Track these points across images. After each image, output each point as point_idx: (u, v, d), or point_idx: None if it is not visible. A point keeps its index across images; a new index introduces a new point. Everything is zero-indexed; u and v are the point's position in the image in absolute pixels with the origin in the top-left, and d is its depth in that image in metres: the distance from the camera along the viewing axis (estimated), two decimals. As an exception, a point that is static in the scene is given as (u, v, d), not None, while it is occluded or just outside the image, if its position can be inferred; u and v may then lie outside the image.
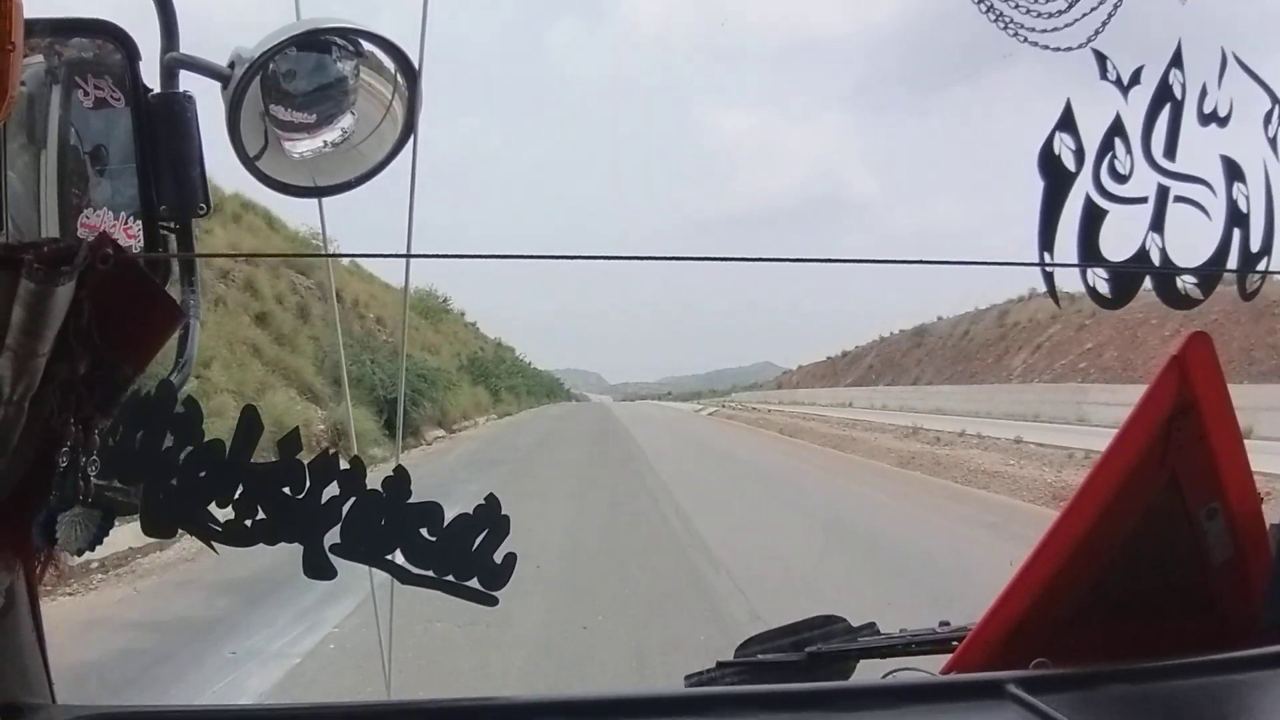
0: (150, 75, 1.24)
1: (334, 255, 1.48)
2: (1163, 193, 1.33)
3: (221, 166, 1.27)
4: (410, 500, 1.06)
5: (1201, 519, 1.39)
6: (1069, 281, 1.33)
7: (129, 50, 1.24)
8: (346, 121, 1.33)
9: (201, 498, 1.03)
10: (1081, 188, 1.29)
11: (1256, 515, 1.41)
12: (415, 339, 33.82)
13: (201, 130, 1.24)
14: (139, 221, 1.24)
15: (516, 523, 1.09)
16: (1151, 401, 1.33)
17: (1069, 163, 1.28)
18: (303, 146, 1.32)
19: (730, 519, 12.23)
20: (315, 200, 1.38)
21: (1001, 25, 1.34)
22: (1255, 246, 1.37)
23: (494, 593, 1.08)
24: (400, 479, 1.06)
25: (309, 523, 1.05)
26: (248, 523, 1.04)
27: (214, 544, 1.05)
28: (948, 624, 1.53)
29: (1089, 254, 1.30)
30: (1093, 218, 1.29)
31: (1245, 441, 1.40)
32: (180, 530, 1.05)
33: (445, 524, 1.06)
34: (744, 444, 27.87)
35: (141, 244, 1.22)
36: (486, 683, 5.70)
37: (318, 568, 1.06)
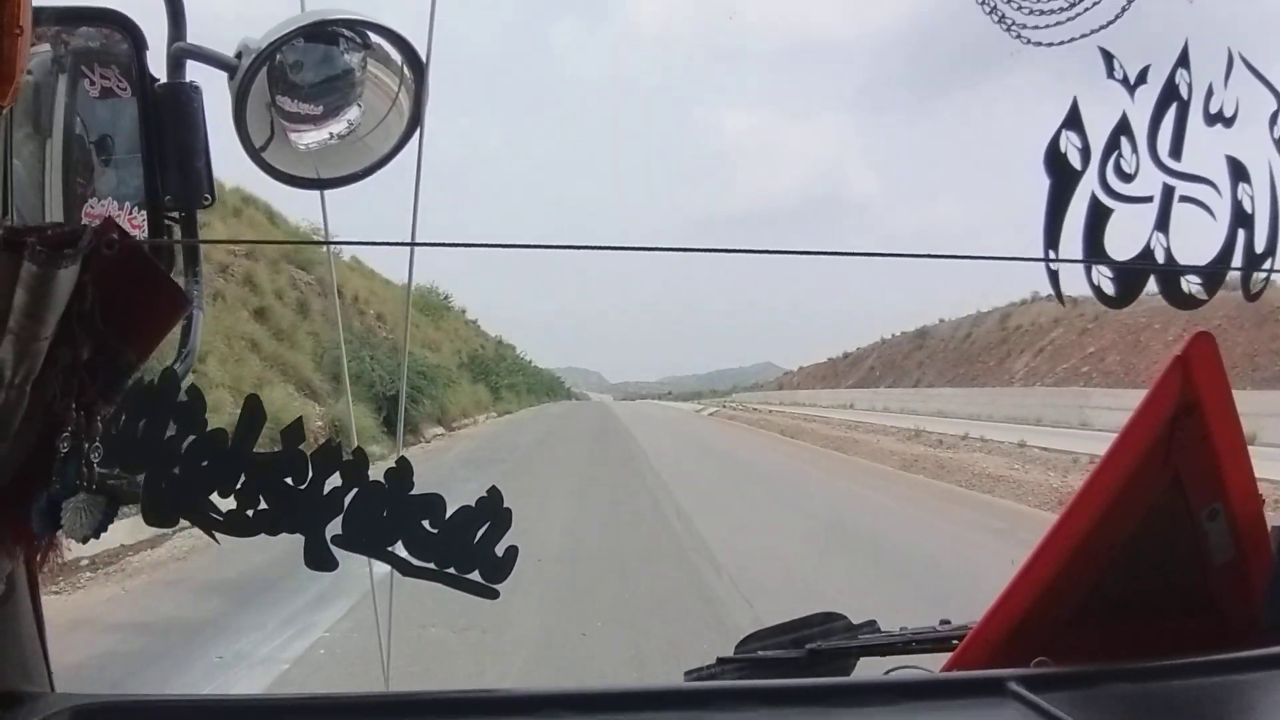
0: (157, 65, 1.24)
1: (339, 242, 1.48)
2: (1168, 192, 1.33)
3: (222, 159, 1.27)
4: (412, 492, 1.06)
5: (1203, 519, 1.39)
6: (1072, 284, 1.33)
7: (136, 39, 1.24)
8: (353, 114, 1.33)
9: (203, 487, 1.03)
10: (1087, 186, 1.28)
11: (1258, 517, 1.41)
12: (416, 336, 33.78)
13: (207, 120, 1.25)
14: (143, 212, 1.24)
15: (515, 523, 1.08)
16: (1155, 401, 1.33)
17: (1075, 161, 1.28)
18: (308, 138, 1.32)
19: (732, 521, 12.07)
20: (318, 193, 1.38)
21: (1005, 27, 1.34)
22: (1260, 247, 1.36)
23: (495, 586, 1.08)
24: (403, 470, 1.05)
25: (311, 513, 1.04)
26: (249, 513, 1.04)
27: (215, 534, 1.05)
28: (948, 622, 1.53)
29: (1094, 253, 1.30)
30: (1098, 216, 1.29)
31: (1250, 448, 1.40)
32: (181, 519, 1.04)
33: (447, 516, 1.06)
34: (745, 444, 27.74)
35: (146, 234, 1.22)
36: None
37: (319, 559, 1.06)
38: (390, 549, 1.06)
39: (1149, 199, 1.32)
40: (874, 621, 1.60)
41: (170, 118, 1.22)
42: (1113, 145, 1.30)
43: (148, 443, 1.02)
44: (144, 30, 1.24)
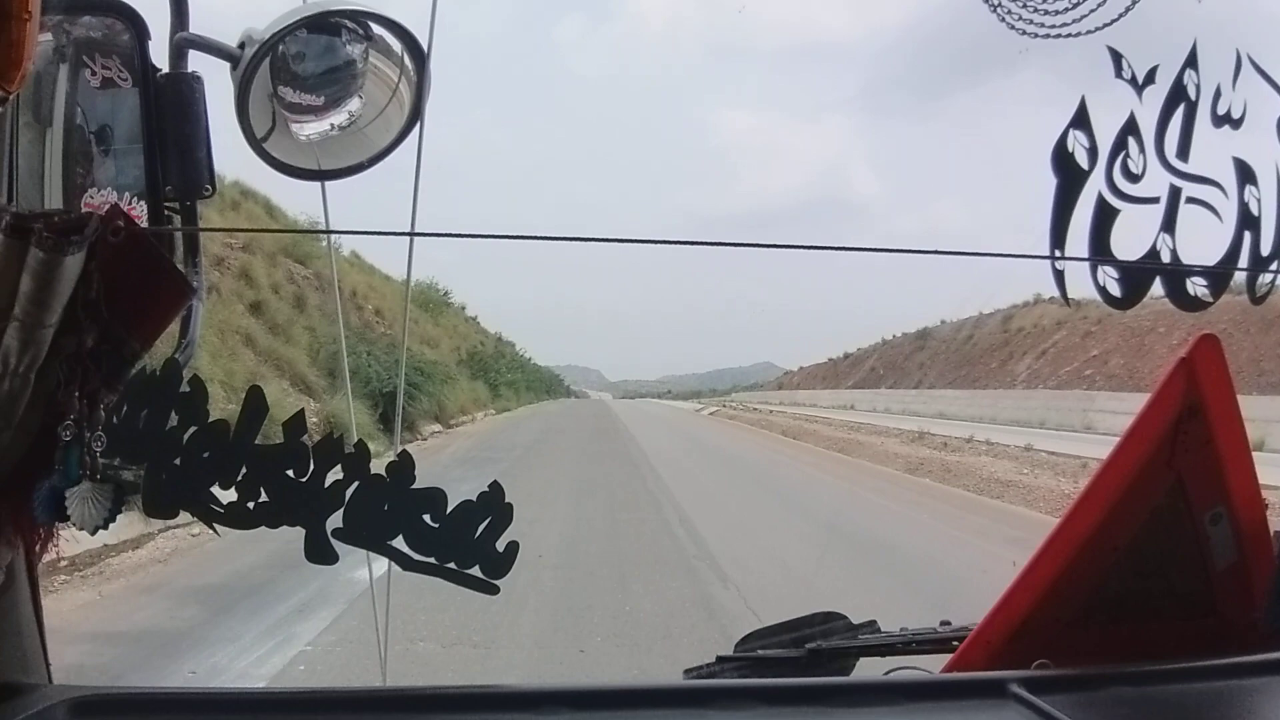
0: (159, 55, 1.23)
1: (341, 232, 1.47)
2: (1175, 193, 1.33)
3: (221, 151, 1.26)
4: (414, 486, 1.05)
5: (1206, 523, 1.38)
6: (1077, 286, 1.32)
7: (138, 29, 1.23)
8: (354, 105, 1.32)
9: (205, 478, 1.03)
10: (1094, 186, 1.28)
11: (1261, 521, 1.40)
12: (414, 332, 33.70)
13: (208, 111, 1.24)
14: (143, 202, 1.23)
15: (512, 528, 1.08)
16: (1158, 403, 1.32)
17: (1082, 160, 1.28)
18: (310, 129, 1.32)
19: (736, 527, 11.67)
20: (318, 184, 1.37)
21: (1010, 23, 1.34)
22: (1266, 250, 1.36)
23: (495, 581, 1.08)
24: (404, 464, 1.05)
25: (312, 506, 1.04)
26: (250, 505, 1.04)
27: (215, 526, 1.05)
28: (949, 623, 1.52)
29: (1100, 253, 1.29)
30: (1105, 217, 1.29)
31: (1256, 454, 1.39)
32: (181, 511, 1.04)
33: (448, 511, 1.06)
34: (747, 446, 27.38)
35: (146, 224, 1.21)
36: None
37: (320, 552, 1.05)
38: (391, 543, 1.06)
39: (1156, 200, 1.32)
40: (874, 622, 1.59)
41: (172, 108, 1.21)
42: (1120, 145, 1.30)
43: (149, 433, 1.02)
44: (146, 20, 1.24)
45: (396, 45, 1.31)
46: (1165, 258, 1.31)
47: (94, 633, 6.35)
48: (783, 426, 35.24)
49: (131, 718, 1.12)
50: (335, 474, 1.04)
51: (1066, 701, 1.15)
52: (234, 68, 1.23)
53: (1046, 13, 1.32)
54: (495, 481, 1.07)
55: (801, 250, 1.35)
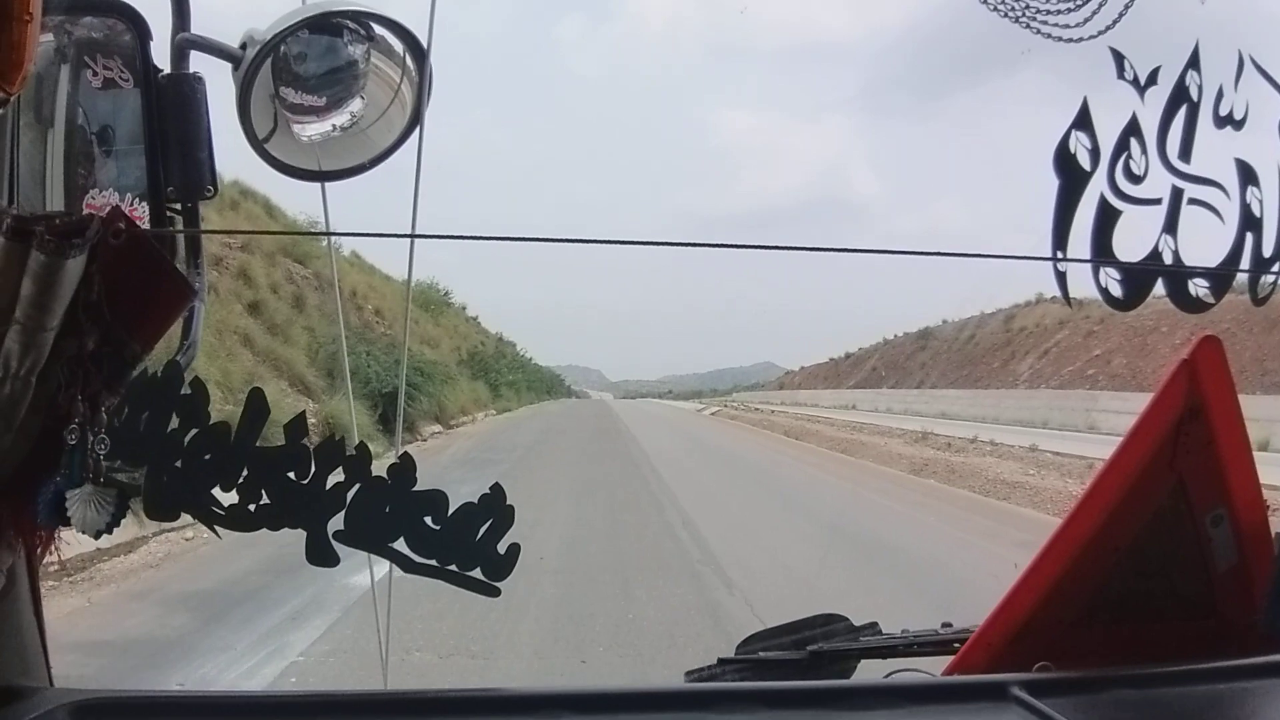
0: (161, 55, 1.23)
1: (342, 234, 1.47)
2: (1177, 195, 1.33)
3: (222, 152, 1.26)
4: (415, 488, 1.05)
5: (1207, 525, 1.38)
6: (1078, 286, 1.32)
7: (140, 30, 1.23)
8: (356, 105, 1.32)
9: (206, 481, 1.03)
10: (1096, 187, 1.28)
11: (1262, 523, 1.40)
12: (414, 332, 33.60)
13: (210, 111, 1.24)
14: (145, 203, 1.23)
15: (512, 530, 1.08)
16: (1160, 405, 1.32)
17: (1084, 161, 1.28)
18: (311, 130, 1.32)
19: (741, 529, 11.42)
20: (319, 185, 1.37)
21: (1014, 18, 1.34)
22: (1268, 251, 1.36)
23: (497, 584, 1.08)
24: (406, 466, 1.05)
25: (313, 509, 1.04)
26: (251, 507, 1.04)
27: (216, 528, 1.05)
28: (950, 625, 1.52)
29: (1102, 254, 1.29)
30: (1107, 218, 1.28)
31: (1261, 454, 1.39)
32: (183, 514, 1.04)
33: (450, 513, 1.06)
34: (749, 446, 27.25)
35: (148, 225, 1.21)
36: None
37: (321, 554, 1.05)
38: (392, 545, 1.06)
39: (1158, 201, 1.32)
40: (875, 624, 1.59)
41: (173, 109, 1.21)
42: (1122, 146, 1.29)
43: (150, 436, 1.01)
44: (148, 21, 1.23)
45: (398, 46, 1.31)
46: (1167, 259, 1.31)
47: (79, 642, 6.14)
48: (785, 427, 35.09)
49: None
50: (336, 476, 1.04)
51: (1067, 704, 1.15)
52: (235, 68, 1.23)
53: (1049, 12, 1.32)
54: (496, 484, 1.07)
55: (803, 252, 1.35)
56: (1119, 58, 1.29)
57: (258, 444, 1.04)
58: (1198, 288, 1.34)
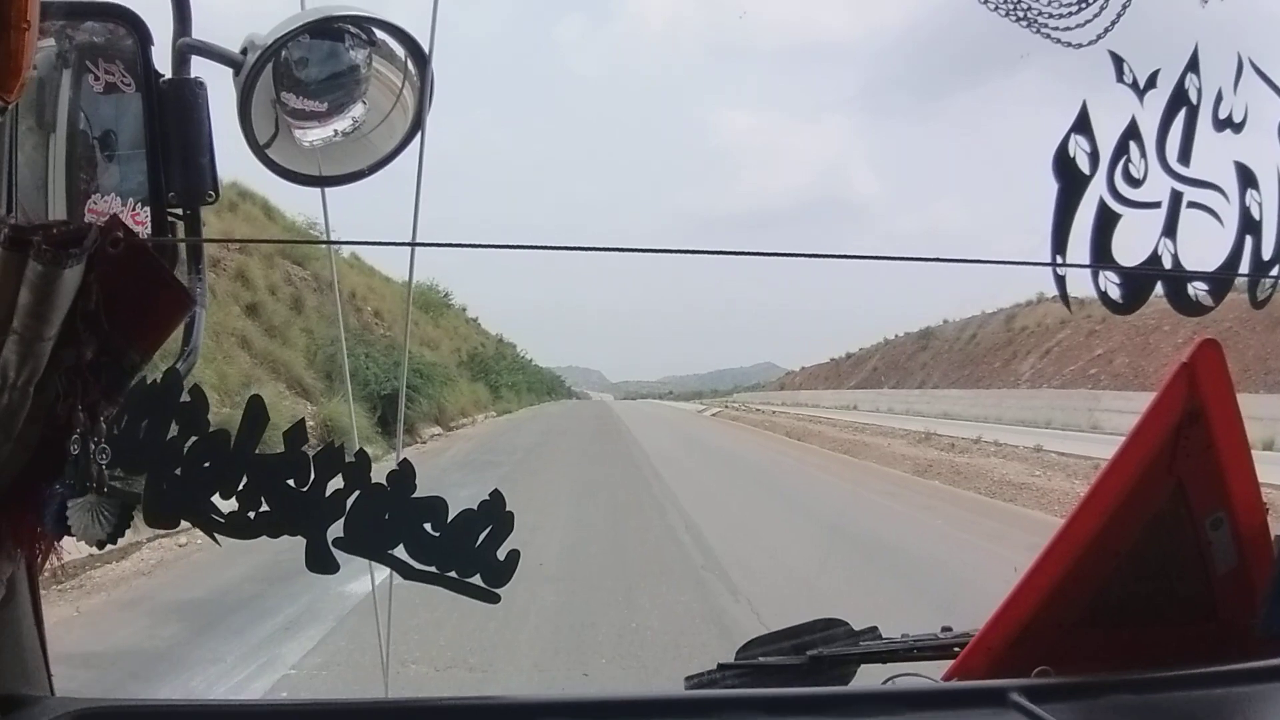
0: (162, 60, 1.23)
1: (342, 243, 1.47)
2: (1176, 198, 1.33)
3: (224, 157, 1.26)
4: (415, 495, 1.06)
5: (1207, 528, 1.39)
6: (1079, 287, 1.32)
7: (141, 35, 1.23)
8: (357, 110, 1.32)
9: (205, 488, 1.03)
10: (1095, 191, 1.28)
11: (1262, 526, 1.40)
12: (414, 334, 33.46)
13: (211, 117, 1.24)
14: (147, 208, 1.23)
15: (512, 535, 1.08)
16: (1160, 408, 1.32)
17: (1084, 165, 1.28)
18: (313, 135, 1.32)
19: (745, 534, 11.14)
20: (318, 190, 1.37)
21: (1015, 18, 1.34)
22: (1267, 254, 1.36)
23: (496, 590, 1.08)
24: (405, 473, 1.05)
25: (313, 516, 1.04)
26: (251, 515, 1.04)
27: (216, 535, 1.05)
28: (950, 629, 1.52)
29: (1101, 257, 1.29)
30: (1106, 221, 1.29)
31: (1267, 454, 1.40)
32: (182, 521, 1.04)
33: (449, 519, 1.06)
34: (751, 447, 27.00)
35: (149, 230, 1.21)
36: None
37: (321, 561, 1.05)
38: (392, 552, 1.06)
39: (1157, 204, 1.32)
40: (875, 628, 1.59)
41: (175, 114, 1.21)
42: (1121, 150, 1.30)
43: (150, 443, 1.01)
44: (149, 26, 1.24)
45: (400, 50, 1.31)
46: (1167, 262, 1.32)
47: (64, 654, 5.39)
48: (786, 428, 34.87)
49: None
50: (336, 483, 1.04)
51: (1066, 710, 1.15)
52: (236, 73, 1.23)
53: (1050, 15, 1.32)
54: (496, 490, 1.07)
55: (805, 250, 1.35)
56: (1118, 61, 1.30)
57: (257, 451, 1.04)
58: (1197, 291, 1.35)
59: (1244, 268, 1.36)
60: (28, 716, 1.03)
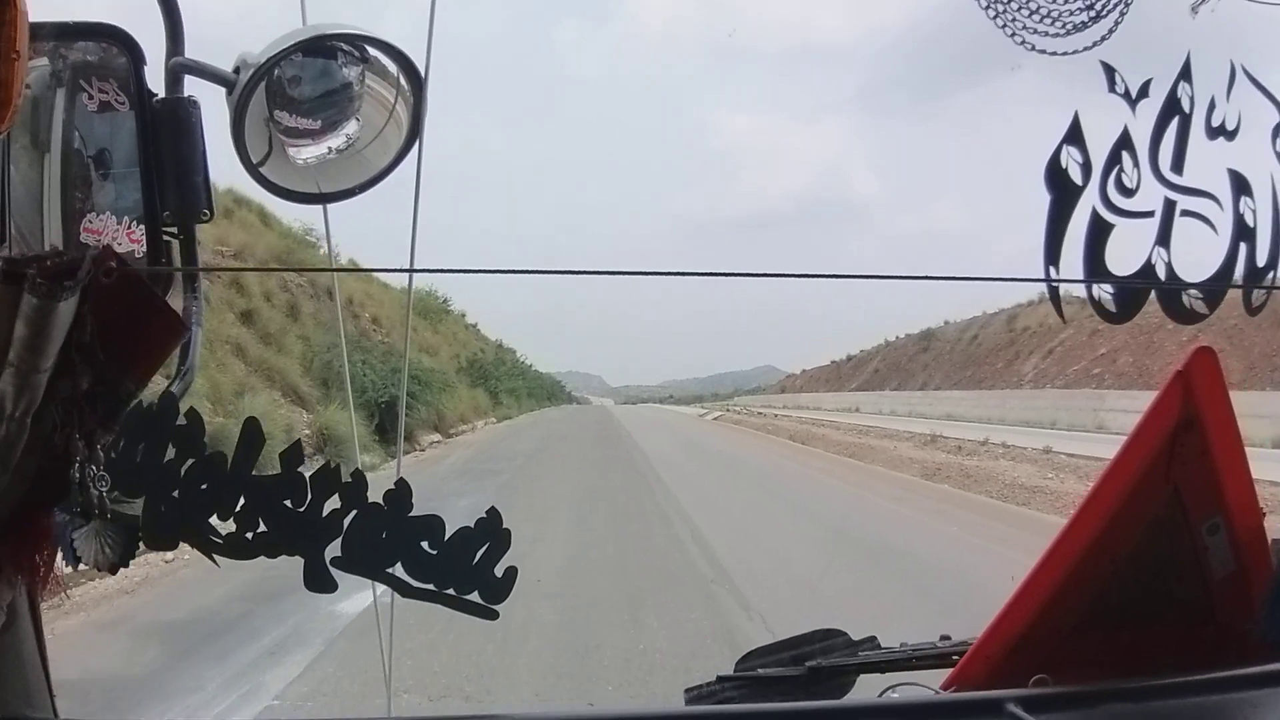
0: (155, 80, 1.23)
1: (338, 270, 1.47)
2: (1169, 207, 1.33)
3: (220, 175, 1.26)
4: (411, 513, 1.06)
5: (1204, 533, 1.39)
6: (1078, 287, 1.32)
7: (134, 55, 1.23)
8: (351, 128, 1.33)
9: (203, 510, 1.03)
10: (1088, 201, 1.28)
11: (1259, 530, 1.41)
12: (413, 339, 33.36)
13: (205, 135, 1.24)
14: (142, 226, 1.23)
15: (511, 550, 1.08)
16: (1155, 415, 1.32)
17: (1076, 176, 1.28)
18: (307, 153, 1.32)
19: (754, 543, 10.73)
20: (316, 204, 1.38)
21: (1009, 33, 1.34)
22: (1261, 261, 1.36)
23: (494, 606, 1.08)
24: (402, 492, 1.06)
25: (310, 536, 1.05)
26: (249, 535, 1.04)
27: (215, 556, 1.05)
28: (949, 638, 1.52)
29: (1095, 268, 1.29)
30: (1099, 232, 1.29)
31: (1273, 451, 1.40)
32: (181, 543, 1.04)
33: (446, 537, 1.06)
34: (755, 452, 26.63)
35: (144, 249, 1.22)
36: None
37: (319, 581, 1.06)
38: (390, 570, 1.06)
39: (1150, 214, 1.32)
40: (874, 638, 1.59)
41: (169, 132, 1.22)
42: (1114, 160, 1.30)
43: (147, 466, 1.02)
44: (142, 45, 1.24)
45: (392, 67, 1.32)
46: (1161, 271, 1.32)
47: None
48: (789, 431, 34.57)
49: None
50: (333, 503, 1.04)
51: (1064, 719, 1.15)
52: (229, 92, 1.24)
53: (1043, 33, 1.33)
54: (493, 508, 1.08)
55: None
56: (1109, 71, 1.30)
57: (254, 472, 1.04)
58: (1191, 299, 1.35)
59: (1238, 274, 1.36)
60: None
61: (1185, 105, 1.34)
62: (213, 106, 1.24)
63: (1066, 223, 1.27)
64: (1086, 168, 1.28)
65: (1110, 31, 1.29)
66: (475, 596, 1.07)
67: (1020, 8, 1.36)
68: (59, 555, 1.00)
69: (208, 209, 1.24)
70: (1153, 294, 1.34)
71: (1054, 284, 1.29)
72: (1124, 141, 1.30)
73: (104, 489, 0.97)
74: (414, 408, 23.37)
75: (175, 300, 1.17)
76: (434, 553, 1.06)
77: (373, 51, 1.31)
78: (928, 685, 1.42)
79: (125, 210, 1.24)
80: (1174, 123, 1.33)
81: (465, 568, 1.06)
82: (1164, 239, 1.32)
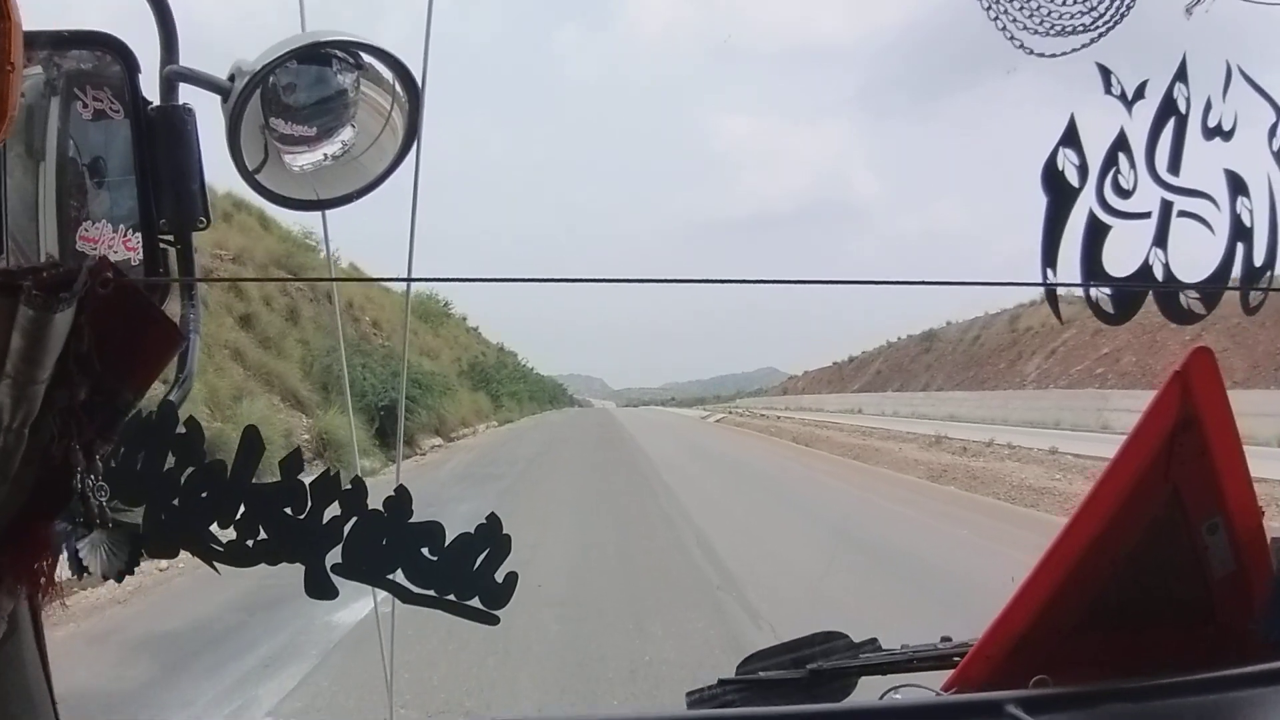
0: (150, 88, 1.23)
1: (337, 279, 1.47)
2: (1166, 208, 1.33)
3: (217, 170, 1.26)
4: (411, 520, 1.06)
5: (1203, 533, 1.39)
6: (1077, 288, 1.32)
7: (129, 63, 1.24)
8: (346, 134, 1.33)
9: (203, 518, 1.03)
10: (1085, 203, 1.28)
11: (1258, 529, 1.41)
12: (413, 343, 33.29)
13: (201, 143, 1.24)
14: (138, 234, 1.23)
15: (513, 555, 1.08)
16: (1154, 416, 1.33)
17: (1073, 178, 1.28)
18: (303, 160, 1.32)
19: (760, 548, 10.37)
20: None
21: (1008, 35, 1.34)
22: (1258, 261, 1.36)
23: (495, 612, 1.08)
24: (402, 499, 1.06)
25: (311, 543, 1.05)
26: (249, 543, 1.05)
27: (215, 564, 1.05)
28: (949, 639, 1.52)
29: (1092, 270, 1.29)
30: (1096, 234, 1.29)
31: (1277, 449, 1.40)
32: (182, 550, 1.05)
33: (446, 544, 1.06)
34: (758, 454, 26.26)
35: (141, 256, 1.22)
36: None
37: (320, 588, 1.06)
38: (390, 577, 1.06)
39: (1147, 215, 1.32)
40: (875, 640, 1.59)
41: (164, 140, 1.22)
42: (1110, 161, 1.30)
43: (148, 475, 1.02)
44: (137, 53, 1.24)
45: (388, 73, 1.31)
46: (1158, 272, 1.32)
47: None
48: (792, 433, 34.18)
49: None
50: (333, 510, 1.04)
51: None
52: (224, 100, 1.23)
53: (1042, 34, 1.33)
54: (493, 514, 1.08)
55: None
56: (1105, 73, 1.30)
57: (254, 479, 1.04)
58: (1189, 299, 1.35)
59: (1236, 274, 1.36)
60: None
61: (1181, 106, 1.34)
62: (208, 114, 1.24)
63: (1063, 225, 1.27)
64: (1083, 169, 1.28)
65: (1102, 34, 1.29)
66: (476, 602, 1.07)
67: (1021, 7, 1.36)
68: (62, 564, 1.00)
69: (204, 216, 1.24)
70: (1149, 298, 1.34)
71: (1050, 287, 1.29)
72: (1120, 143, 1.31)
73: (104, 498, 0.97)
74: (415, 411, 23.30)
75: (173, 307, 1.17)
76: (434, 559, 1.06)
77: (367, 58, 1.31)
78: (929, 687, 1.41)
79: (121, 218, 1.25)
80: (1170, 123, 1.33)
81: (466, 573, 1.07)
82: (1161, 240, 1.32)
